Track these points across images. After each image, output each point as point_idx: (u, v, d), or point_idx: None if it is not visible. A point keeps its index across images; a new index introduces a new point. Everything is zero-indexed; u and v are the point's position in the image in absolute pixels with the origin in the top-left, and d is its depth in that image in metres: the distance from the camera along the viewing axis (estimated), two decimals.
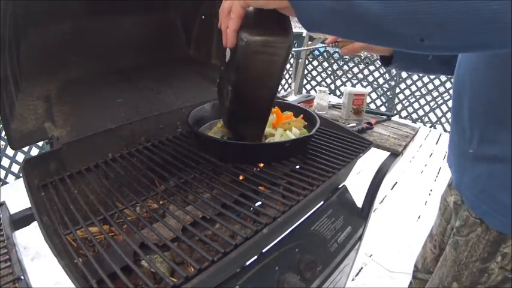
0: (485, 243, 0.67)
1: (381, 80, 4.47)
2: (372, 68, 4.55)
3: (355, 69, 4.65)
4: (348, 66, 4.67)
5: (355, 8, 0.42)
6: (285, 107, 1.00)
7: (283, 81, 4.71)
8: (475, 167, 0.68)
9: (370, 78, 4.52)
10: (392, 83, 4.40)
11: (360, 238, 1.03)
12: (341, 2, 0.43)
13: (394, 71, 4.24)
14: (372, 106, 4.45)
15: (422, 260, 0.99)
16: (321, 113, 1.43)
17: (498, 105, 0.61)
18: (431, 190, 2.78)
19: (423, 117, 4.29)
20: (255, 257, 0.68)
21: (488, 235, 0.66)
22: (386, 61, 0.93)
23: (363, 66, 4.56)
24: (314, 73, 4.87)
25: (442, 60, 0.85)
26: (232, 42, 0.59)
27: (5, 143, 2.66)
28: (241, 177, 0.77)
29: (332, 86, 4.79)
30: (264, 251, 0.69)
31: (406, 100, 4.35)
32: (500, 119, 0.61)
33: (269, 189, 0.72)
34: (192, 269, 0.50)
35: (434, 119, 4.22)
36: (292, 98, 1.58)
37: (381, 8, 0.40)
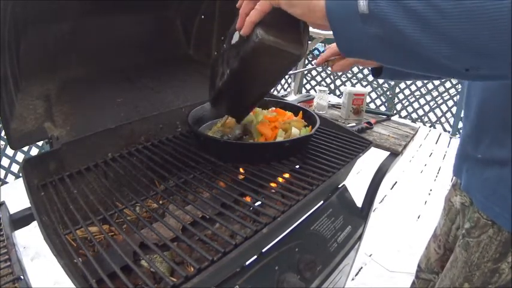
0: (497, 244, 0.68)
1: (380, 80, 4.47)
2: None
3: (355, 69, 4.65)
4: None
5: (401, 37, 0.41)
6: (285, 106, 1.01)
7: (282, 81, 4.70)
8: (484, 170, 0.68)
9: (370, 78, 4.52)
10: (392, 83, 4.39)
11: (360, 238, 1.03)
12: (387, 30, 0.41)
13: None
14: (372, 106, 4.45)
15: (425, 260, 0.99)
16: (320, 112, 1.43)
17: (508, 109, 0.61)
18: (431, 190, 2.78)
19: (423, 117, 4.29)
20: (255, 256, 0.67)
21: (500, 236, 0.67)
22: (376, 72, 0.93)
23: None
24: (314, 73, 4.87)
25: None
26: (246, 32, 0.58)
27: (4, 143, 2.66)
28: (241, 177, 0.77)
29: (332, 86, 4.79)
30: (263, 250, 0.69)
31: (405, 100, 4.35)
32: (510, 123, 0.62)
33: (269, 189, 0.72)
34: (192, 269, 0.50)
35: (434, 118, 4.22)
36: (291, 98, 1.58)
37: (428, 39, 0.39)
